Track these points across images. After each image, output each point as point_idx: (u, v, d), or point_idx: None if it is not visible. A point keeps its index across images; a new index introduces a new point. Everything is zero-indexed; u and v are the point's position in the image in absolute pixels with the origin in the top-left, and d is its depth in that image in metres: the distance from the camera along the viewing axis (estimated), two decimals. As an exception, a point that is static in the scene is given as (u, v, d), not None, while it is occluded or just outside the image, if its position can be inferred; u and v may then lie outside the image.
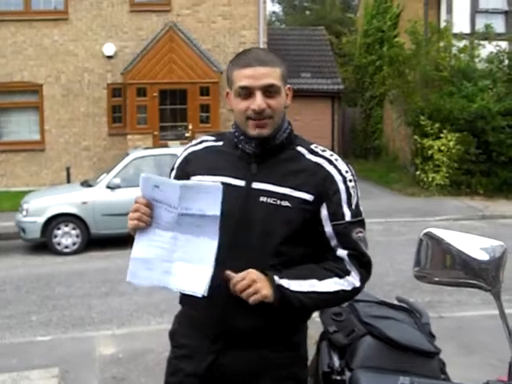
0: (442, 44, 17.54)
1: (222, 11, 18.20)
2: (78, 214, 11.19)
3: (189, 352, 2.26)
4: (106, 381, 5.26)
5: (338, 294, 2.15)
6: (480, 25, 17.83)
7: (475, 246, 1.69)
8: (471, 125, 15.93)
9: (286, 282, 2.08)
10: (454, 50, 17.51)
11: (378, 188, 17.71)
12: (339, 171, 2.20)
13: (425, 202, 15.40)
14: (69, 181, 15.49)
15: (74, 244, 11.20)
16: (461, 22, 17.59)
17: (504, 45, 17.64)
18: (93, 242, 11.20)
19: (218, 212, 2.01)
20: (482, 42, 17.34)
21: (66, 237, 11.20)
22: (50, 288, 8.64)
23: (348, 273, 2.16)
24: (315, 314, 2.64)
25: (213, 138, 2.36)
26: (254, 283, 2.03)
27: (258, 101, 2.12)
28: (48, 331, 6.84)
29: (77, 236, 11.21)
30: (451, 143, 15.89)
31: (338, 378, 2.45)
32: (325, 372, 2.48)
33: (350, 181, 2.21)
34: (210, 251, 2.03)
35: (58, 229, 11.16)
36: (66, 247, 11.18)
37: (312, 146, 2.26)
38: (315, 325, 2.68)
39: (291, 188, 2.15)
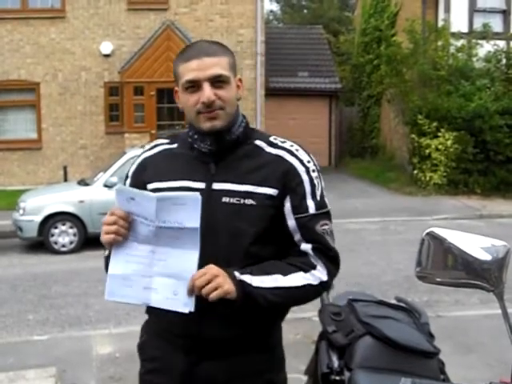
0: (439, 43, 17.54)
1: (220, 10, 18.18)
2: (75, 212, 11.18)
3: (161, 365, 2.17)
4: (103, 380, 5.25)
5: (304, 288, 2.05)
6: (478, 24, 17.82)
7: (478, 246, 1.67)
8: (469, 124, 15.93)
9: (248, 278, 1.97)
10: (452, 49, 17.51)
11: (375, 187, 17.72)
12: (301, 162, 2.11)
13: (422, 201, 15.41)
14: (66, 179, 15.48)
15: (71, 243, 11.19)
16: (459, 21, 17.58)
17: (502, 44, 17.65)
18: (90, 241, 11.17)
19: (197, 224, 1.92)
20: (479, 41, 17.33)
21: (63, 235, 11.18)
22: (47, 287, 8.62)
23: (313, 267, 2.07)
24: (311, 314, 2.62)
25: (166, 141, 2.26)
26: (215, 278, 1.91)
27: (207, 92, 2.03)
28: (45, 330, 6.83)
29: (74, 235, 11.20)
30: (449, 142, 15.90)
31: (337, 378, 2.43)
32: (324, 372, 2.47)
33: (313, 171, 2.12)
34: (191, 264, 1.93)
35: (55, 227, 11.15)
36: (63, 246, 11.16)
37: (271, 139, 2.16)
38: (313, 324, 2.67)
39: (254, 185, 2.05)
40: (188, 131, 2.17)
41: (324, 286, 2.11)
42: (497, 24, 18.14)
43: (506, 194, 16.06)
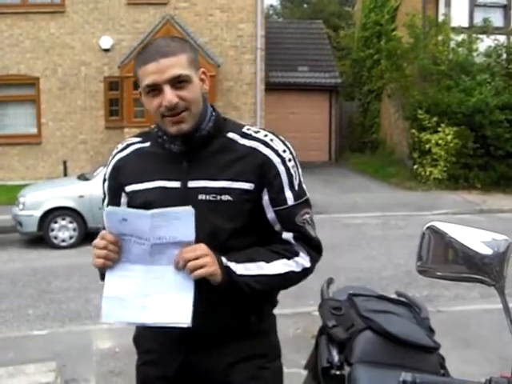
0: (440, 38, 17.52)
1: (220, 4, 18.14)
2: (75, 207, 11.17)
3: (156, 356, 2.18)
4: (102, 375, 5.25)
5: (287, 275, 2.05)
6: (478, 18, 17.79)
7: (479, 240, 1.67)
8: (469, 119, 15.93)
9: (233, 265, 1.97)
10: (452, 44, 17.49)
11: (375, 182, 17.72)
12: (276, 152, 2.06)
13: (422, 196, 15.41)
14: (65, 174, 15.48)
15: (71, 237, 11.19)
16: (459, 16, 17.55)
17: (502, 39, 17.62)
18: (90, 236, 11.09)
19: (192, 237, 1.91)
20: (480, 36, 17.31)
21: (63, 230, 11.18)
22: (47, 282, 8.62)
23: (296, 254, 2.07)
24: (311, 308, 2.62)
25: (139, 140, 2.21)
26: (204, 256, 1.90)
27: (168, 95, 1.97)
28: (45, 325, 6.83)
29: (74, 229, 11.19)
30: (449, 137, 15.89)
31: (338, 372, 2.43)
32: (324, 367, 2.47)
33: (290, 160, 2.07)
34: (188, 278, 1.92)
35: (55, 222, 11.15)
36: (63, 241, 11.16)
37: (244, 129, 2.11)
38: (313, 319, 2.66)
39: (229, 180, 2.02)
40: (157, 131, 2.14)
41: (306, 273, 2.11)
42: (497, 19, 18.11)
43: (506, 189, 16.06)
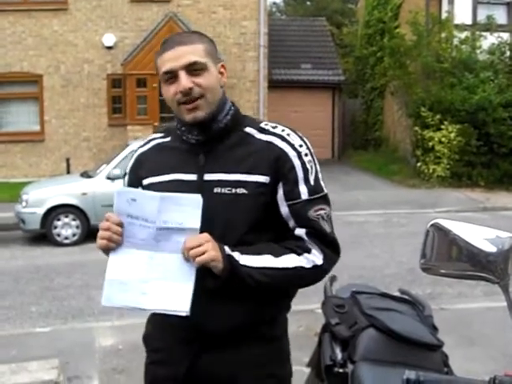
0: (443, 35, 17.49)
1: (223, 1, 18.13)
2: (78, 204, 11.18)
3: (165, 356, 2.17)
4: (105, 372, 5.25)
5: (296, 270, 2.01)
6: (482, 16, 17.77)
7: (483, 237, 1.66)
8: (472, 116, 15.91)
9: (236, 255, 1.96)
10: (456, 41, 17.47)
11: (378, 179, 17.71)
12: (293, 146, 2.06)
13: (425, 193, 15.39)
14: (68, 172, 15.48)
15: (74, 235, 11.19)
16: (462, 13, 17.53)
17: (506, 36, 17.60)
18: (93, 233, 11.11)
19: (197, 225, 1.92)
20: (483, 33, 17.30)
21: (66, 228, 11.18)
22: (50, 279, 8.63)
23: (308, 250, 2.04)
24: (315, 306, 2.61)
25: (160, 135, 2.25)
26: (205, 243, 1.91)
27: (183, 81, 1.99)
28: (47, 322, 6.83)
29: (77, 227, 11.19)
30: (452, 135, 15.87)
31: (341, 370, 2.43)
32: (327, 365, 2.46)
33: (306, 155, 2.06)
34: (190, 266, 1.93)
35: (58, 220, 11.15)
36: (66, 238, 11.16)
37: (262, 125, 2.12)
38: (316, 316, 2.66)
39: (244, 173, 2.02)
40: (176, 124, 2.15)
41: (319, 270, 2.06)
42: (501, 16, 18.09)
43: (509, 187, 16.04)
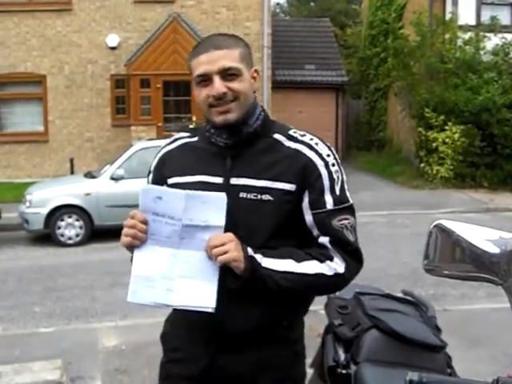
0: (447, 36, 17.45)
1: (226, 2, 18.13)
2: (82, 205, 11.19)
3: (183, 355, 2.16)
4: (108, 372, 5.25)
5: (316, 277, 2.01)
6: (486, 17, 17.72)
7: (486, 238, 1.65)
8: (476, 117, 15.88)
9: (258, 257, 1.97)
10: (460, 42, 17.42)
11: (382, 180, 17.69)
12: (320, 156, 2.07)
13: (429, 194, 15.37)
14: (72, 172, 15.50)
15: (78, 235, 11.20)
16: (466, 14, 17.48)
17: (510, 37, 17.52)
18: (96, 234, 11.19)
19: (222, 223, 1.94)
20: (487, 34, 17.24)
21: (70, 228, 11.20)
22: (53, 279, 8.64)
23: (330, 258, 2.04)
24: (318, 307, 2.61)
25: (187, 135, 2.24)
26: (229, 242, 1.92)
27: (217, 85, 2.00)
28: (51, 323, 6.84)
29: (80, 227, 11.21)
30: (456, 136, 15.84)
31: (344, 371, 2.43)
32: (330, 366, 2.46)
33: (333, 165, 2.08)
34: (214, 264, 1.95)
35: (62, 220, 11.16)
36: (70, 238, 11.18)
37: (290, 132, 2.12)
38: (319, 317, 2.66)
39: (271, 180, 2.03)
40: (205, 125, 2.16)
41: (340, 279, 2.07)
42: (505, 17, 18.05)
43: (513, 188, 16.01)
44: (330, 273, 2.03)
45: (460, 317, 6.41)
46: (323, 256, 2.04)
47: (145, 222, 1.98)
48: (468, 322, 6.26)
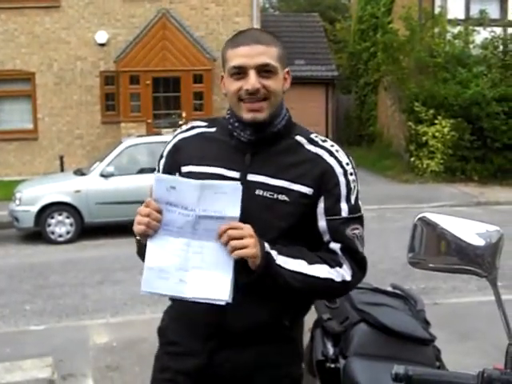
0: (436, 30, 17.50)
1: (215, -2, 18.09)
2: (72, 202, 11.15)
3: (181, 350, 2.14)
4: (99, 369, 5.25)
5: (326, 282, 2.02)
6: (475, 10, 17.78)
7: (471, 231, 1.66)
8: (466, 111, 15.92)
9: (274, 254, 1.95)
10: (449, 36, 17.48)
11: (372, 175, 17.69)
12: (340, 163, 2.07)
13: (419, 188, 15.41)
14: (62, 169, 15.44)
15: (68, 233, 11.18)
16: (455, 8, 17.53)
17: (499, 30, 17.60)
18: (87, 231, 11.16)
19: (237, 213, 1.91)
20: (476, 28, 17.30)
21: (60, 225, 11.17)
22: (44, 277, 8.62)
23: (340, 265, 2.05)
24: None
25: (204, 124, 2.20)
26: (249, 237, 1.89)
27: (252, 80, 1.99)
28: (42, 320, 6.82)
29: (70, 225, 11.18)
30: (446, 129, 15.88)
31: (333, 365, 2.43)
32: (319, 360, 2.46)
33: (351, 174, 2.09)
34: (228, 255, 1.92)
35: (52, 218, 11.13)
36: (60, 236, 11.15)
37: (312, 136, 2.13)
38: (309, 312, 2.66)
39: (289, 181, 2.02)
40: (228, 118, 2.13)
41: (346, 287, 2.09)
42: (493, 10, 18.11)
43: (503, 181, 16.07)
44: (338, 279, 2.04)
45: (450, 310, 6.44)
46: (333, 261, 2.05)
47: (159, 212, 1.95)
48: (458, 316, 6.28)
